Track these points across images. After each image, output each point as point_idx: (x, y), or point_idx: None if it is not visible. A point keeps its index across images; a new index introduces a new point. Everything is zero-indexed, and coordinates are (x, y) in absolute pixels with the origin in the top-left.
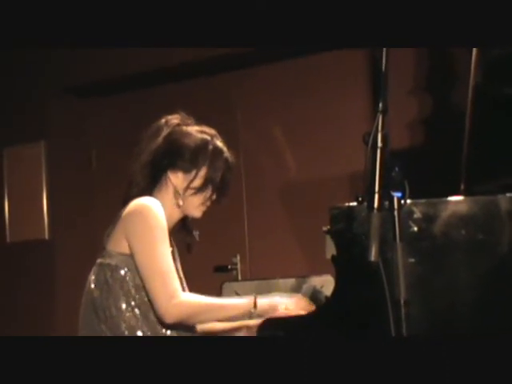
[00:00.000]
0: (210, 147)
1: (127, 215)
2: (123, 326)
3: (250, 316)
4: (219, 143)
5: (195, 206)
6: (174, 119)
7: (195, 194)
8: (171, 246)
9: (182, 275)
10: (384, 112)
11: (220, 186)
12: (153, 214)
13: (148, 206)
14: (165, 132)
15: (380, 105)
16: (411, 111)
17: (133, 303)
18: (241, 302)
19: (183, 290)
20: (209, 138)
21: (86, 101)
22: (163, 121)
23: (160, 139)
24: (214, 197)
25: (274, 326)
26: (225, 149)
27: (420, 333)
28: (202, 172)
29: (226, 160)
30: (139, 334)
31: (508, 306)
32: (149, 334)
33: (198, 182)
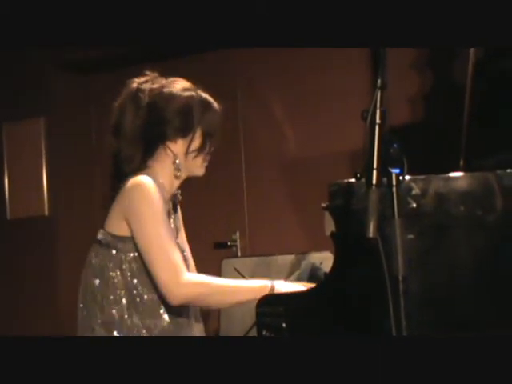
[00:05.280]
0: (199, 103)
1: (125, 195)
2: (115, 313)
3: None
4: (203, 94)
5: (199, 165)
6: (145, 83)
7: (198, 154)
8: (172, 215)
9: (186, 248)
10: (382, 88)
11: (214, 135)
12: (150, 192)
13: (145, 185)
14: (144, 101)
15: (378, 81)
16: (411, 87)
17: (128, 286)
18: (255, 286)
19: (187, 266)
20: (193, 93)
21: (86, 76)
22: (134, 86)
23: (143, 111)
24: (212, 148)
25: (274, 301)
26: (209, 97)
27: (417, 310)
28: (199, 131)
29: (215, 109)
30: (134, 320)
31: (507, 282)
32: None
33: (197, 142)
